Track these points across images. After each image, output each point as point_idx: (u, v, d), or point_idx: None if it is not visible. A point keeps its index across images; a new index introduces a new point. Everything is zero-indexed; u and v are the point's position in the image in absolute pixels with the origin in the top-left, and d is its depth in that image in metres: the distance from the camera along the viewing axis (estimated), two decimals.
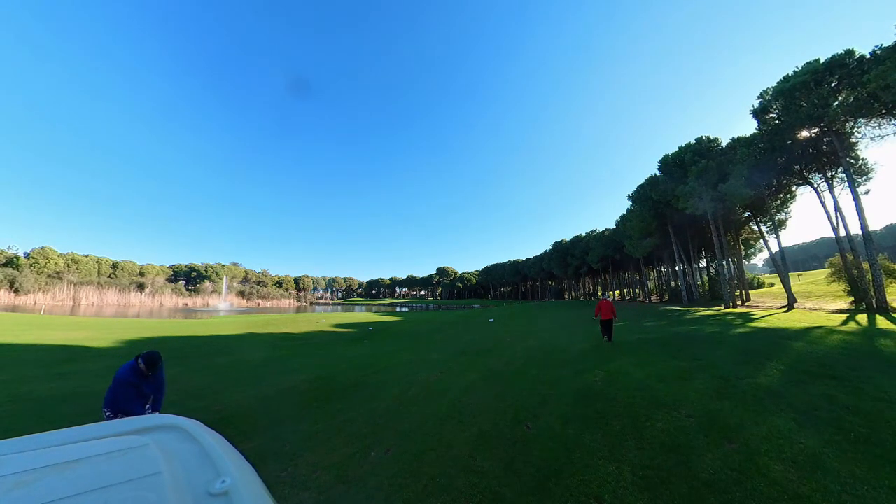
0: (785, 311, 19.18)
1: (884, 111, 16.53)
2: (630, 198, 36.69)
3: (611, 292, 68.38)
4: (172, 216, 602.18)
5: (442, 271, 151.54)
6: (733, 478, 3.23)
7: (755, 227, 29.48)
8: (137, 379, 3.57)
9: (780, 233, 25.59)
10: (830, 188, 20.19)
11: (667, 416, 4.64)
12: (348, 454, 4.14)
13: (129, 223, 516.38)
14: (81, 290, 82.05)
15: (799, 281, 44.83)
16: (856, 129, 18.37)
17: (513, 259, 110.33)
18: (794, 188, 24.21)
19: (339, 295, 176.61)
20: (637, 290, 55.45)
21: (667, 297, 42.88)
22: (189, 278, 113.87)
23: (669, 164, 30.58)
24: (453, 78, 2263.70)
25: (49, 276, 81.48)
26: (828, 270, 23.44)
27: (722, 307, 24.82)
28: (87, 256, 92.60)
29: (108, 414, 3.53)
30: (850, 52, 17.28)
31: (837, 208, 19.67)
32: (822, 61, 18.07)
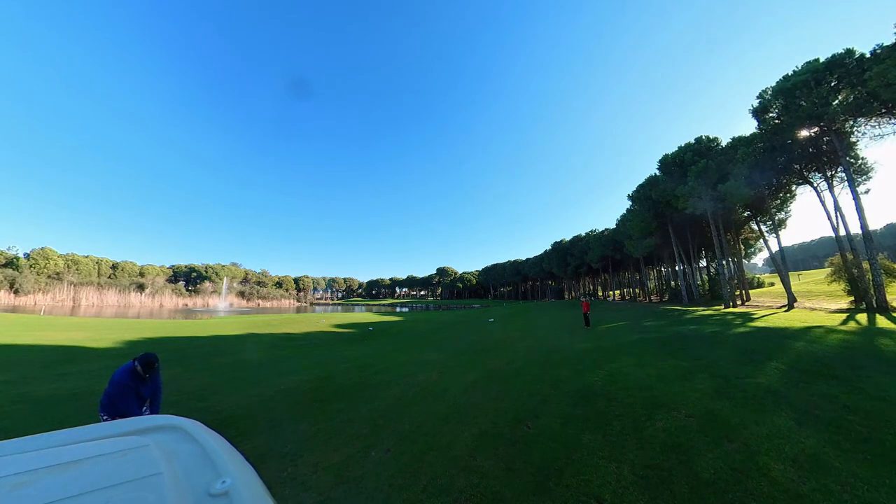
0: (785, 311, 19.17)
1: (883, 110, 16.54)
2: (630, 198, 36.72)
3: (611, 292, 68.49)
4: (172, 217, 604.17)
5: (442, 271, 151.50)
6: (734, 477, 3.23)
7: (755, 227, 29.48)
8: (134, 382, 3.55)
9: (780, 232, 25.60)
10: (830, 188, 20.18)
11: (667, 415, 4.63)
12: (348, 454, 4.14)
13: (130, 224, 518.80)
14: (81, 290, 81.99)
15: (799, 280, 44.80)
16: (855, 128, 18.37)
17: (513, 259, 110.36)
18: (793, 188, 24.19)
19: (339, 295, 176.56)
20: (637, 290, 55.46)
21: (667, 297, 42.86)
22: (189, 279, 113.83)
23: (669, 163, 30.57)
24: (454, 80, 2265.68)
25: (49, 276, 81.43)
26: (828, 270, 23.47)
27: (722, 307, 24.80)
28: (87, 257, 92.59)
29: (104, 418, 3.44)
30: (850, 52, 17.28)
31: (837, 208, 19.66)
32: (822, 60, 18.07)
